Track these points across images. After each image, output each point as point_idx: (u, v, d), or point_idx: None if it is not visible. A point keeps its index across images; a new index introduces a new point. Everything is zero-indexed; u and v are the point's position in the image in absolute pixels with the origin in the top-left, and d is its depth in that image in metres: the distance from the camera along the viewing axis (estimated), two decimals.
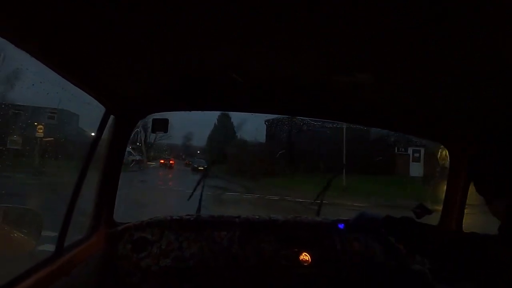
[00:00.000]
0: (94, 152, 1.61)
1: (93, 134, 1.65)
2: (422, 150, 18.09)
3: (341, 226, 2.16)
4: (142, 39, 1.05)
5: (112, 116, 1.71)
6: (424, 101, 1.58)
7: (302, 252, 2.05)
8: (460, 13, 0.77)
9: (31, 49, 1.01)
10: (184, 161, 21.31)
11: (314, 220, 2.25)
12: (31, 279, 1.17)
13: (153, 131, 2.00)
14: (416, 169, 17.73)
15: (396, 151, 18.10)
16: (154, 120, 1.98)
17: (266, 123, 19.29)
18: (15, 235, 1.23)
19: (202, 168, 15.48)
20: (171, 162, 19.73)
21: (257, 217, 2.20)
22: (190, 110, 2.02)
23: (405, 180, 15.52)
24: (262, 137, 22.34)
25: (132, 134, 2.02)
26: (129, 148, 12.06)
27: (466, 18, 0.79)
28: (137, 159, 14.56)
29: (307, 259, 2.04)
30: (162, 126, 2.01)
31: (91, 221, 1.79)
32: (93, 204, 1.80)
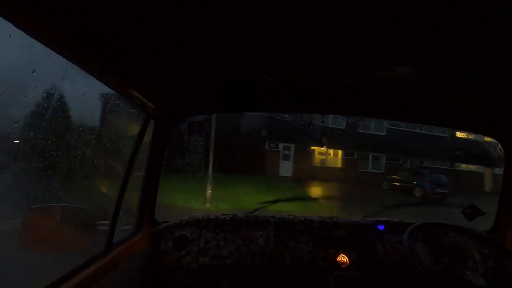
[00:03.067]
0: (136, 156, 1.71)
1: None
2: (293, 147, 16.96)
3: (380, 227, 2.10)
4: (181, 47, 1.12)
5: (152, 121, 1.82)
6: (476, 96, 1.48)
7: (340, 254, 2.01)
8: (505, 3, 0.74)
9: (76, 58, 1.08)
10: None
11: (351, 221, 2.17)
12: (86, 271, 1.30)
13: (189, 134, 2.09)
14: (286, 168, 16.67)
15: (267, 146, 16.77)
16: (190, 123, 2.08)
17: None
18: (72, 231, 1.40)
19: None
20: None
21: (292, 217, 2.18)
22: (225, 112, 2.12)
23: (275, 181, 13.89)
24: None
25: None
26: None
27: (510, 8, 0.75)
28: None
29: (345, 260, 1.99)
30: (197, 129, 2.12)
31: (135, 220, 1.91)
32: (136, 204, 1.92)
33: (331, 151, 18.40)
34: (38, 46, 0.91)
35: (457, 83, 1.36)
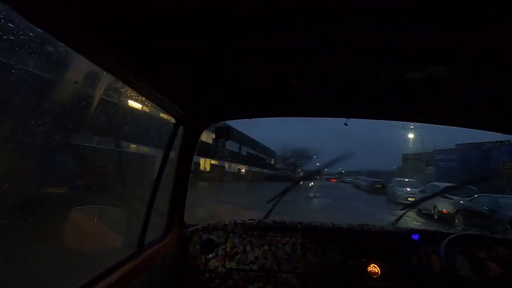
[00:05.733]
0: (167, 160, 1.76)
1: None
2: None
3: (415, 236, 1.99)
4: (209, 53, 1.14)
5: (181, 127, 1.87)
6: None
7: (371, 263, 1.93)
8: None
9: (109, 66, 1.10)
10: None
11: (383, 229, 2.09)
12: (119, 270, 1.35)
13: (216, 139, 2.11)
14: None
15: None
16: (217, 129, 2.12)
17: None
18: (107, 231, 1.44)
19: None
20: None
21: (319, 223, 2.14)
22: (252, 117, 2.08)
23: None
24: None
25: None
26: None
27: None
28: None
29: (376, 271, 1.91)
30: (225, 134, 2.12)
31: (165, 223, 1.97)
32: (166, 207, 1.99)
33: None
34: (70, 53, 0.94)
35: (499, 82, 1.27)
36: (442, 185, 12.49)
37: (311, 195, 20.46)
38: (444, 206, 12.32)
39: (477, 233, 1.87)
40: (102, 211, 1.50)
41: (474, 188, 12.07)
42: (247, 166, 37.15)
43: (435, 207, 12.83)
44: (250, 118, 2.10)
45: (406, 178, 18.35)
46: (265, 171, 41.64)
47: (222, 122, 2.17)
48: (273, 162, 48.99)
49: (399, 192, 16.71)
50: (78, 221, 1.34)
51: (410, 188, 16.98)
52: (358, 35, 0.95)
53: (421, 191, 14.91)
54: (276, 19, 0.89)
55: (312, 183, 33.80)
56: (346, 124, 1.97)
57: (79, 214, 1.38)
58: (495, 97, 1.43)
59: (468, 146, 19.39)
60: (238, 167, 35.14)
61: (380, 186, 24.15)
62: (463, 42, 0.95)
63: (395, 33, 0.92)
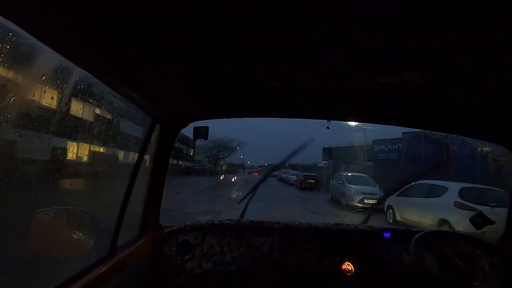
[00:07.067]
0: (142, 160, 1.71)
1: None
2: None
3: (387, 235, 2.06)
4: (188, 52, 1.13)
5: (157, 126, 1.82)
6: (484, 100, 1.44)
7: (345, 261, 1.98)
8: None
9: (85, 63, 1.07)
10: None
11: (357, 228, 2.16)
12: (90, 275, 1.30)
13: (194, 138, 2.07)
14: None
15: None
16: (195, 128, 2.07)
17: None
18: (76, 235, 1.36)
19: None
20: None
21: (296, 223, 2.17)
22: (231, 118, 2.06)
23: None
24: None
25: None
26: None
27: None
28: None
29: (350, 268, 1.96)
30: (202, 133, 2.08)
31: (140, 224, 1.90)
32: (141, 208, 1.92)
33: None
34: (46, 50, 0.90)
35: (467, 88, 1.32)
36: (454, 185, 8.36)
37: (234, 196, 15.00)
38: (462, 223, 6.48)
39: (443, 230, 1.98)
40: (72, 213, 1.42)
41: (500, 189, 7.80)
42: None
43: (443, 222, 7.97)
44: (229, 118, 2.08)
45: (350, 172, 15.10)
46: (181, 163, 37.88)
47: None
48: (192, 154, 44.96)
49: (351, 191, 12.91)
50: (46, 222, 1.27)
51: (364, 185, 13.26)
52: (358, 36, 0.96)
53: (400, 194, 9.53)
54: (255, 22, 0.89)
55: (235, 178, 32.61)
56: (328, 128, 2.00)
57: (47, 216, 1.29)
58: (495, 101, 1.44)
59: (417, 134, 16.06)
60: (144, 158, 32.32)
61: (313, 181, 21.90)
62: (434, 48, 0.98)
63: (395, 34, 0.93)
